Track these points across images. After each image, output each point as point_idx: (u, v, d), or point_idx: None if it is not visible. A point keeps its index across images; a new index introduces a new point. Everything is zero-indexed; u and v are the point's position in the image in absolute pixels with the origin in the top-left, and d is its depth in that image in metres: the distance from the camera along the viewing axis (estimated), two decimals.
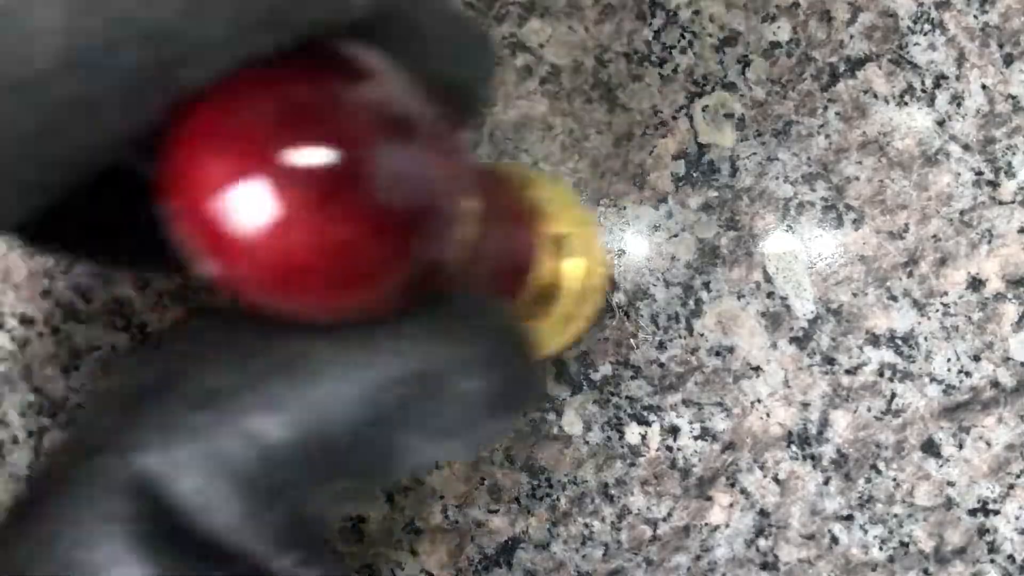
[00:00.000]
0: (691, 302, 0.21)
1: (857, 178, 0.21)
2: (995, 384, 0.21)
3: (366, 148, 0.10)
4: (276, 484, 0.11)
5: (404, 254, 0.11)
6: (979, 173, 0.21)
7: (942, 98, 0.21)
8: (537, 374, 0.13)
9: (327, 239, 0.10)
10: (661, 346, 0.21)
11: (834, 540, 0.21)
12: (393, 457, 0.12)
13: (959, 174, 0.21)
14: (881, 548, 0.21)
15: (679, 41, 0.21)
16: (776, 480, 0.21)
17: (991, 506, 0.21)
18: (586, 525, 0.21)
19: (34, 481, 0.11)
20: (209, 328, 0.12)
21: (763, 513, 0.21)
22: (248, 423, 0.10)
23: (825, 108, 0.21)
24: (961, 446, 0.21)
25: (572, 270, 0.18)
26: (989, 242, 0.21)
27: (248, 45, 0.10)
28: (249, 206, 0.10)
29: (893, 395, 0.21)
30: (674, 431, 0.21)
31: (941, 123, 0.21)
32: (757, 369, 0.21)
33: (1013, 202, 0.21)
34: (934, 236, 0.21)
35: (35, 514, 0.11)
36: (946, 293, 0.21)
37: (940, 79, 0.21)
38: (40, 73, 0.09)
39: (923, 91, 0.21)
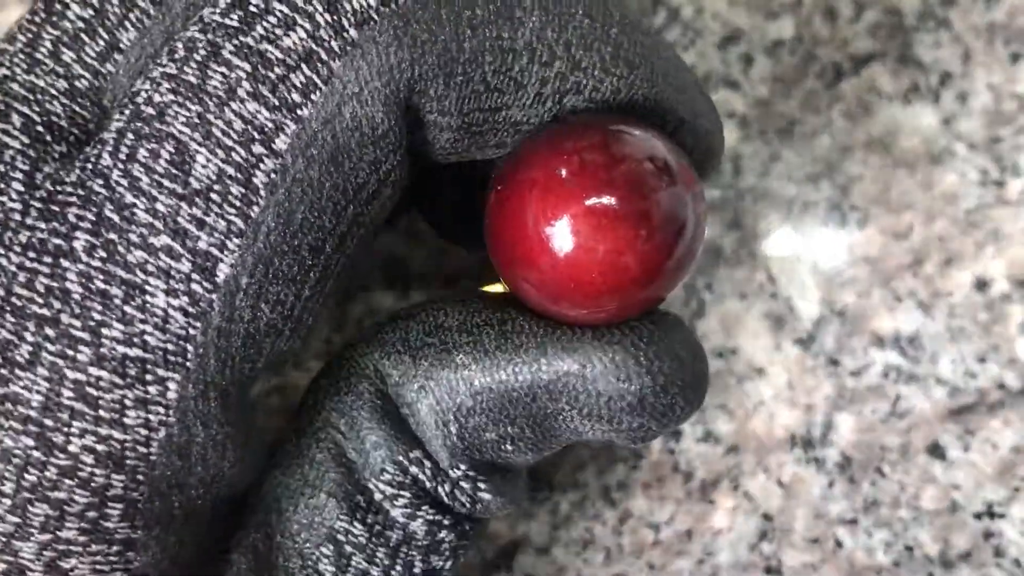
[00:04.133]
0: (693, 303, 0.21)
1: (862, 177, 0.21)
2: (1001, 386, 0.21)
3: (640, 193, 0.14)
4: (476, 419, 0.15)
5: (658, 276, 0.14)
6: (985, 172, 0.21)
7: (948, 96, 0.21)
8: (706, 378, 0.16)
9: (608, 262, 0.14)
10: None
11: (838, 544, 0.21)
12: (551, 420, 0.16)
13: (965, 173, 0.21)
14: (886, 552, 0.21)
15: (681, 39, 0.21)
16: (780, 483, 0.21)
17: (997, 510, 0.21)
18: (587, 529, 0.21)
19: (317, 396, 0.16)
20: (452, 313, 0.16)
21: (767, 517, 0.21)
22: (467, 374, 0.15)
23: (829, 107, 0.21)
24: (967, 449, 0.21)
25: None
26: (995, 242, 0.21)
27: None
28: (561, 235, 0.14)
29: (898, 397, 0.21)
30: (676, 434, 0.21)
31: (947, 122, 0.21)
32: (760, 371, 0.21)
33: (1019, 202, 0.21)
34: (939, 236, 0.21)
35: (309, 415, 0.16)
36: (951, 294, 0.21)
37: (946, 77, 0.21)
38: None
39: (928, 89, 0.21)
